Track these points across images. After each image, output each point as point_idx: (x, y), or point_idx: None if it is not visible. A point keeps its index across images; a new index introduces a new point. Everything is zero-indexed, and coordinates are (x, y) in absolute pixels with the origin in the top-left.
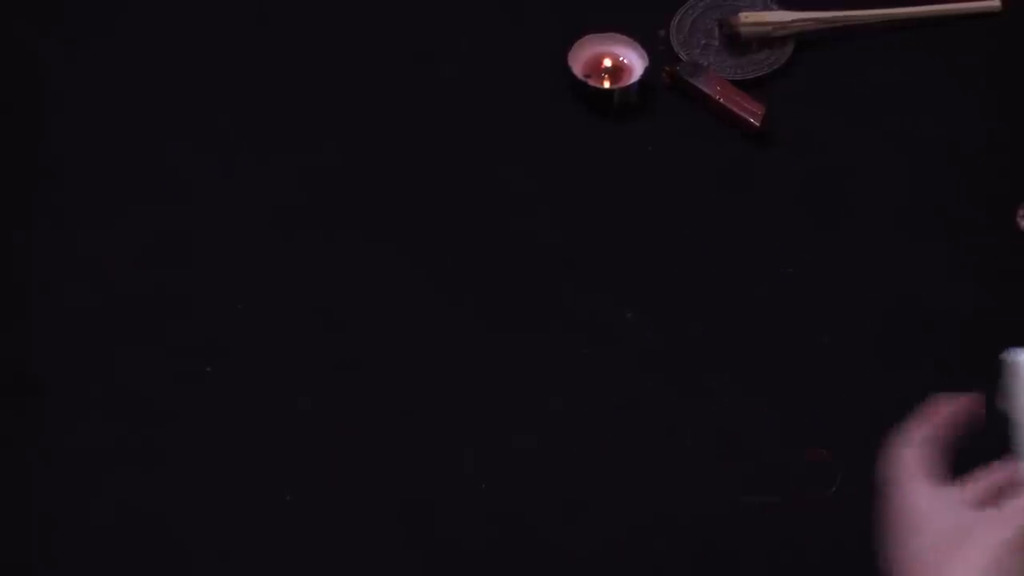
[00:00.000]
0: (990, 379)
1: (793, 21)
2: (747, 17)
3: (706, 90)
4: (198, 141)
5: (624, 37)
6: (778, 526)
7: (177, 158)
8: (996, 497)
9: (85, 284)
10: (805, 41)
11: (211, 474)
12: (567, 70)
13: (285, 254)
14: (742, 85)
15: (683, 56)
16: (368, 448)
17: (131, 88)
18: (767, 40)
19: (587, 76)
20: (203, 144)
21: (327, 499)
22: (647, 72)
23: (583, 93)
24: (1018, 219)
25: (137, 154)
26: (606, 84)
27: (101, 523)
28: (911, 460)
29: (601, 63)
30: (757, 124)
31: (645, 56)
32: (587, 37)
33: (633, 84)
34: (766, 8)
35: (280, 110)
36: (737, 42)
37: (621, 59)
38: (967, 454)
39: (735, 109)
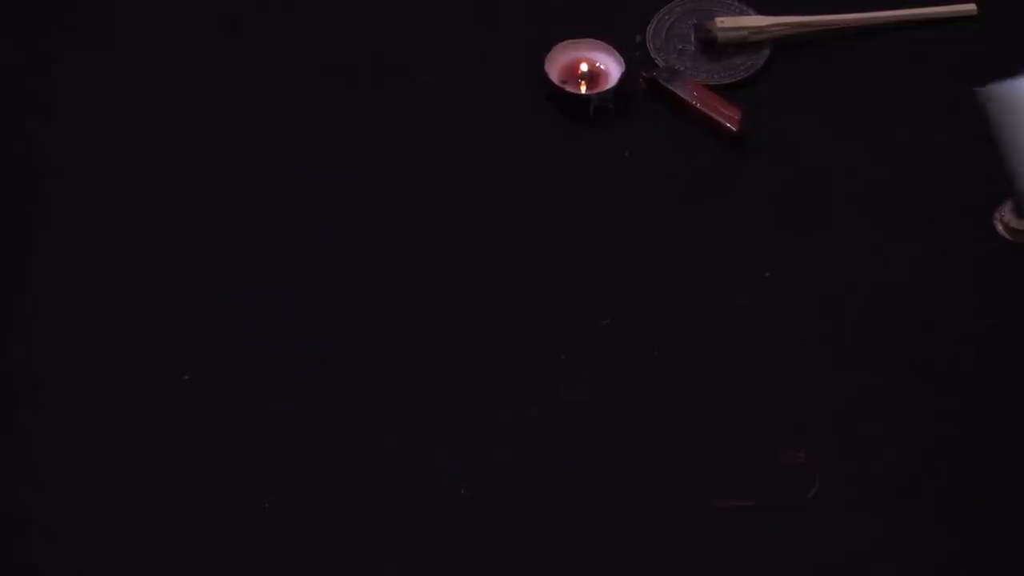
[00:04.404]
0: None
1: (769, 26)
2: (723, 22)
3: (683, 95)
4: (177, 151)
5: (600, 43)
6: (758, 529)
7: (156, 168)
8: None
9: (65, 292)
10: (781, 45)
11: (190, 480)
12: (544, 76)
13: (264, 262)
14: (719, 90)
15: (660, 61)
16: (347, 454)
17: (112, 101)
18: (743, 45)
19: (564, 82)
20: (182, 154)
21: (306, 505)
22: (624, 78)
23: (560, 99)
24: (994, 221)
25: (118, 165)
26: (583, 90)
27: (80, 528)
28: None
29: (578, 69)
30: (734, 128)
31: (622, 62)
32: (563, 43)
33: (609, 90)
34: (742, 13)
35: (258, 120)
36: (713, 47)
37: (598, 65)
38: None
39: (712, 114)
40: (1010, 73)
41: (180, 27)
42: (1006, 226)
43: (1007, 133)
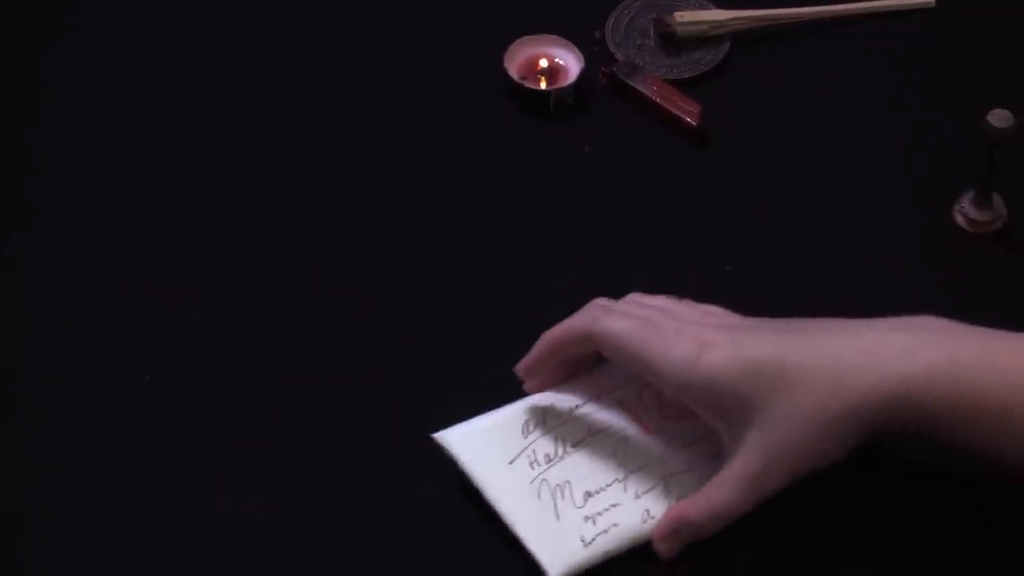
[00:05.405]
0: None
1: (728, 20)
2: (682, 16)
3: (642, 90)
4: (136, 149)
5: (560, 38)
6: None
7: (115, 166)
8: None
9: (23, 294)
10: (741, 40)
11: (153, 481)
12: (503, 72)
13: (227, 262)
14: (679, 84)
15: (619, 56)
16: (310, 454)
17: (74, 98)
18: (703, 39)
19: (523, 78)
20: (144, 154)
21: (269, 505)
22: (583, 73)
23: (519, 95)
24: (954, 213)
25: (77, 164)
26: (542, 85)
27: (37, 530)
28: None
29: (537, 65)
30: (694, 123)
31: (581, 57)
32: (523, 39)
33: (569, 85)
34: (701, 7)
35: (213, 117)
36: (673, 42)
37: (557, 60)
38: None
39: (672, 108)
40: (966, 66)
41: (144, 26)
42: (966, 218)
43: (477, 480)
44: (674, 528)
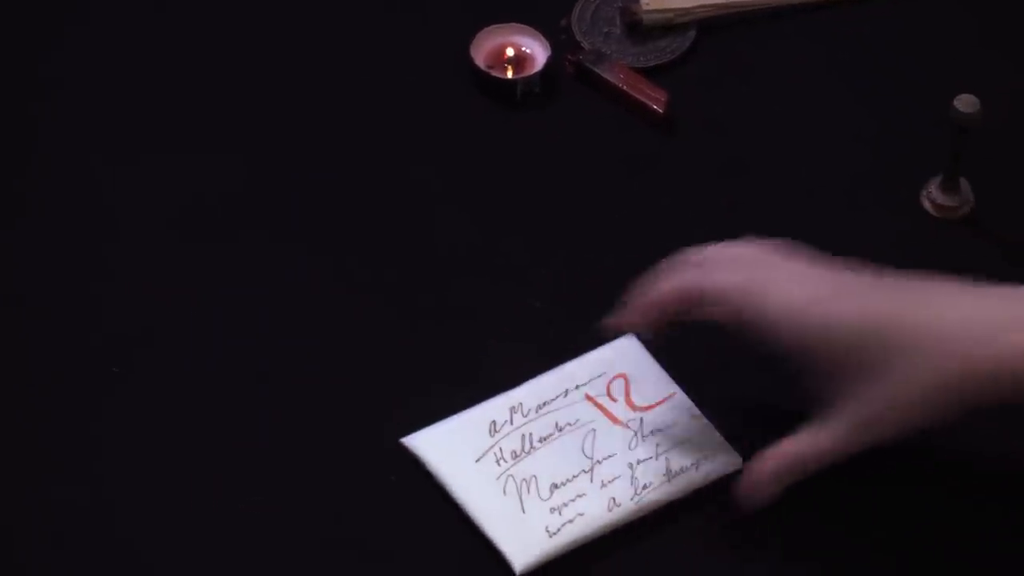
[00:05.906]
0: None
1: (694, 7)
2: (648, 4)
3: (609, 78)
4: (101, 145)
5: (526, 27)
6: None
7: (80, 162)
8: None
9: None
10: (707, 27)
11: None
12: (470, 61)
13: (192, 258)
14: (645, 72)
15: (585, 45)
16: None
17: (37, 95)
18: (669, 27)
19: (490, 67)
20: (108, 148)
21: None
22: (550, 61)
23: (486, 84)
24: (922, 199)
25: (41, 159)
26: (509, 74)
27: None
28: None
29: (504, 54)
30: (661, 111)
31: (548, 46)
32: (489, 28)
33: (536, 74)
34: None
35: (184, 113)
36: (639, 30)
37: (524, 49)
38: None
39: (638, 96)
40: (934, 52)
41: (103, 18)
42: (934, 203)
43: (444, 479)
44: (788, 464)
